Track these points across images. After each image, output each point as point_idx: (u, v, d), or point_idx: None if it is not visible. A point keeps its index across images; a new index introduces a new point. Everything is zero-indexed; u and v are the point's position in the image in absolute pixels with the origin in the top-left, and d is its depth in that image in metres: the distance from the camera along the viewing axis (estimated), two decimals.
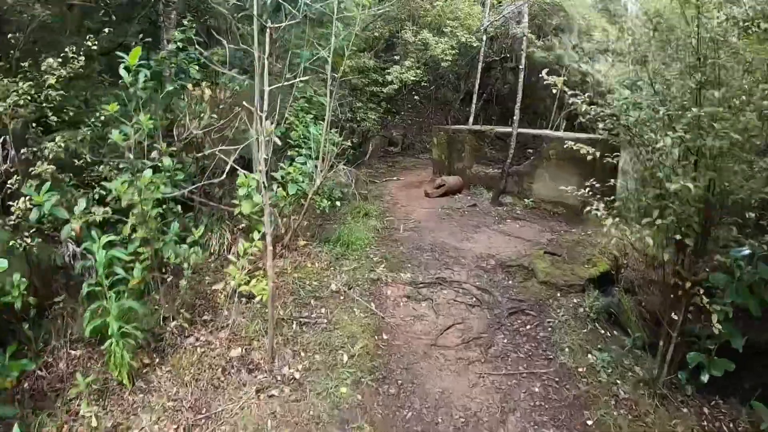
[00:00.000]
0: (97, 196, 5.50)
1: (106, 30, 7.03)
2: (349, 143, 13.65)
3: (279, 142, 5.51)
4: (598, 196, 5.54)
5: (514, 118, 10.12)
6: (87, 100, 7.44)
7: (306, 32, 8.64)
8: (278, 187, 7.19)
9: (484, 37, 14.22)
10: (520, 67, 10.18)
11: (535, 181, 10.42)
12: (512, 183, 10.69)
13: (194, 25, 7.66)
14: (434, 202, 10.87)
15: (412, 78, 13.17)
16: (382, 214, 9.88)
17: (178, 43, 7.35)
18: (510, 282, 7.50)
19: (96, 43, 6.43)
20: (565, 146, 6.50)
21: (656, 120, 4.74)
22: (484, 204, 10.60)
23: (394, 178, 13.04)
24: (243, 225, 6.87)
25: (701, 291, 4.42)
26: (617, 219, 4.99)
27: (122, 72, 5.30)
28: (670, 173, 4.45)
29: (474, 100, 14.63)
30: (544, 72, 5.36)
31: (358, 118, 13.26)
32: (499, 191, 10.55)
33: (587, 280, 7.64)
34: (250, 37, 4.86)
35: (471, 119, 14.85)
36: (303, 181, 7.33)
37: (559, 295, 7.26)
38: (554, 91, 5.26)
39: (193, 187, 6.43)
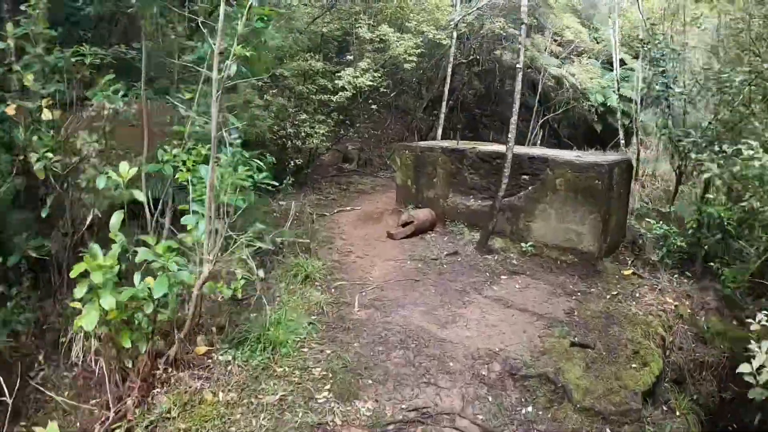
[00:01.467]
0: None
1: None
2: (294, 164, 10.49)
3: None
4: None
5: (509, 135, 7.08)
6: None
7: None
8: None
9: (455, 34, 11.20)
10: (518, 66, 7.19)
11: (536, 219, 7.45)
12: (503, 220, 7.68)
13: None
14: (400, 247, 7.76)
15: (368, 83, 10.07)
16: (329, 275, 6.71)
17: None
18: (530, 409, 4.49)
19: None
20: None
21: None
22: (467, 250, 7.55)
23: (348, 207, 9.87)
24: None
25: None
26: None
27: None
28: None
29: (443, 108, 11.64)
30: None
31: (303, 134, 10.05)
32: (487, 234, 7.51)
33: (642, 394, 4.78)
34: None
35: (440, 131, 11.85)
36: (186, 264, 4.17)
37: (608, 430, 4.34)
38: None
39: None
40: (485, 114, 19.42)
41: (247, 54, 4.39)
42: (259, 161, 5.90)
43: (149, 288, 3.93)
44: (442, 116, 11.86)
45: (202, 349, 4.83)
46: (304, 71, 10.35)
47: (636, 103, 15.89)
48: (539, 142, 15.63)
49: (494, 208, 7.26)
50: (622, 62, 18.83)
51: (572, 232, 7.13)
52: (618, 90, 13.43)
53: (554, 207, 7.21)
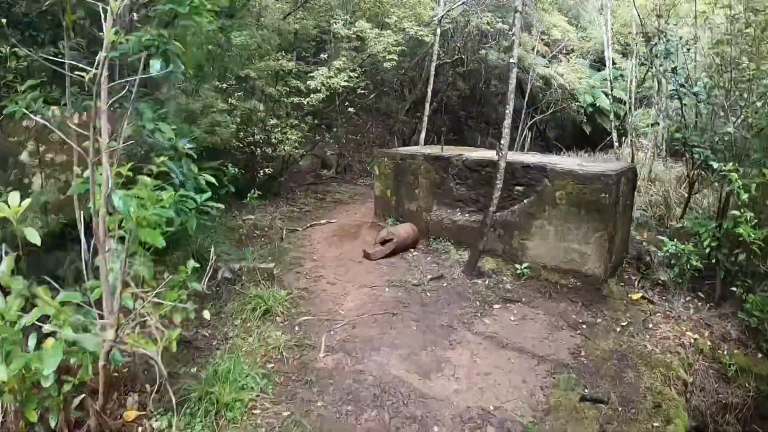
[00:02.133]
0: None
1: None
2: (264, 173, 9.39)
3: None
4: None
5: (502, 142, 6.05)
6: None
7: None
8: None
9: (438, 30, 10.17)
10: (512, 61, 6.20)
11: (532, 236, 6.43)
12: (494, 238, 6.67)
13: None
14: (378, 270, 6.70)
15: (343, 83, 9.01)
16: (294, 307, 5.64)
17: None
18: None
19: None
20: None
21: None
22: (454, 273, 6.51)
23: (323, 221, 8.79)
24: None
25: None
26: None
27: None
28: None
29: (426, 111, 10.60)
30: None
31: (274, 140, 8.97)
32: (477, 254, 6.48)
33: None
34: None
35: (423, 135, 10.80)
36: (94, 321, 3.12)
37: None
38: None
39: None
40: (470, 116, 18.46)
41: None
42: (211, 177, 4.86)
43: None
44: (426, 119, 10.83)
45: (131, 414, 3.75)
46: (274, 72, 9.27)
47: (628, 103, 15.06)
48: (527, 145, 14.64)
49: (484, 224, 6.24)
50: (612, 62, 18.01)
51: (574, 253, 6.14)
52: (611, 90, 12.42)
53: (553, 223, 6.21)
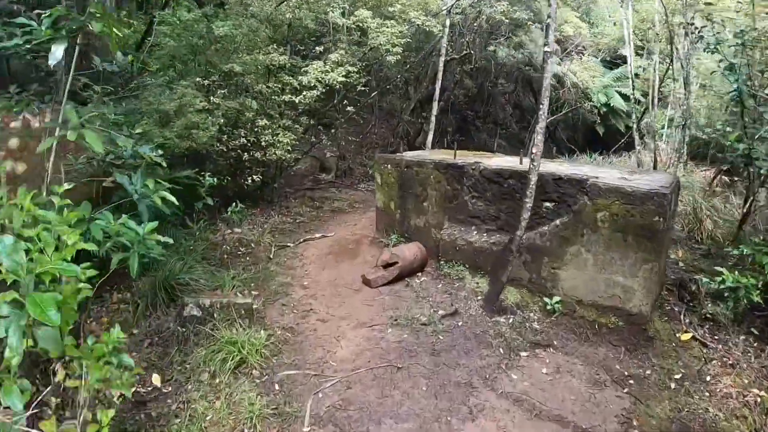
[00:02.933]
0: None
1: None
2: (252, 181, 8.20)
3: None
4: None
5: (533, 150, 4.83)
6: None
7: None
8: None
9: (447, 22, 8.97)
10: (547, 49, 4.94)
11: (566, 265, 5.25)
12: (518, 264, 5.49)
13: None
14: (379, 301, 5.53)
15: (341, 78, 7.81)
16: (276, 355, 4.48)
17: None
18: None
19: None
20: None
21: None
22: (471, 308, 5.33)
23: (317, 234, 7.62)
24: None
25: None
26: None
27: None
28: None
29: (434, 110, 9.42)
30: None
31: (264, 143, 7.78)
32: (499, 287, 5.30)
33: None
34: None
35: (430, 137, 9.62)
36: None
37: None
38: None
39: None
40: (478, 116, 17.24)
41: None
42: (171, 195, 3.71)
43: None
44: (433, 119, 9.64)
45: None
46: (265, 67, 8.07)
47: (646, 103, 13.85)
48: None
49: (509, 251, 5.05)
50: (626, 60, 16.77)
51: (617, 287, 4.97)
52: (633, 89, 11.21)
53: (593, 251, 5.03)
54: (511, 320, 5.14)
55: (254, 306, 5.04)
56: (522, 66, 14.07)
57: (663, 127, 14.05)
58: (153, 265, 5.47)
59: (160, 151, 4.63)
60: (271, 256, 6.63)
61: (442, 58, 9.16)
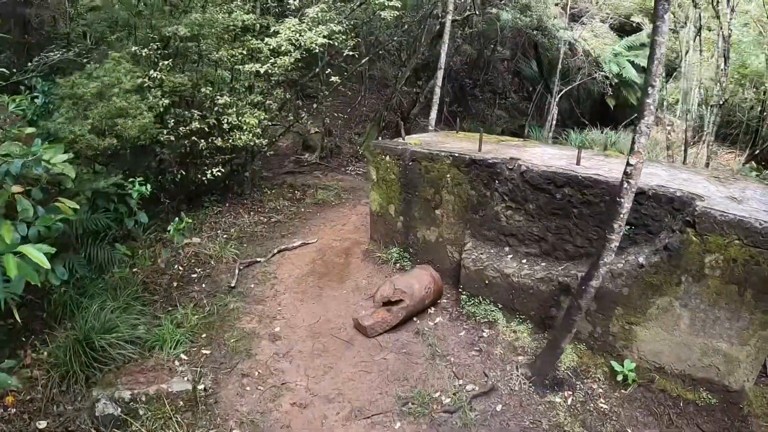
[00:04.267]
0: None
1: None
2: (212, 175, 6.17)
3: None
4: None
5: (633, 157, 2.89)
6: None
7: None
8: None
9: None
10: None
11: (648, 321, 3.48)
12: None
13: None
14: (380, 365, 3.73)
15: (321, 40, 5.77)
16: None
17: None
18: None
19: None
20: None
21: None
22: (511, 378, 3.55)
23: (296, 242, 5.77)
24: None
25: None
26: None
27: None
28: None
29: (438, 80, 7.51)
30: None
31: (226, 126, 5.79)
32: (556, 353, 3.50)
33: None
34: None
35: (433, 115, 7.74)
36: None
37: None
38: None
39: None
40: (476, 84, 15.26)
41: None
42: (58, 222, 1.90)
43: None
44: (438, 90, 7.71)
45: None
46: (225, 28, 5.98)
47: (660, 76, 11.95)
48: (553, 124, 11.55)
49: (576, 308, 3.24)
50: (639, 27, 14.75)
51: (717, 355, 3.29)
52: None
53: (691, 306, 3.29)
54: (570, 400, 3.40)
55: (200, 388, 3.23)
56: (529, 30, 12.00)
57: (677, 102, 12.19)
58: (73, 305, 3.70)
59: (70, 155, 2.87)
60: (234, 283, 4.78)
61: (449, 16, 7.16)
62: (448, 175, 4.56)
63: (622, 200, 2.81)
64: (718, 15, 8.19)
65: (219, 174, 5.76)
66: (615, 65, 13.18)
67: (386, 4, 6.23)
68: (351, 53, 6.49)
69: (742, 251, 3.09)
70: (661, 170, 4.15)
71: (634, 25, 14.26)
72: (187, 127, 5.46)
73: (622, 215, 2.85)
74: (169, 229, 4.31)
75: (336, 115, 9.97)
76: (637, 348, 3.58)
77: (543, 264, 4.02)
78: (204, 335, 3.96)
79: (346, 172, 9.34)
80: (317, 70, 7.63)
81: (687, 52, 10.77)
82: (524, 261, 4.12)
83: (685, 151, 8.93)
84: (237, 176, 7.06)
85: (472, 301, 4.28)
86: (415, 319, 4.25)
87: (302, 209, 7.05)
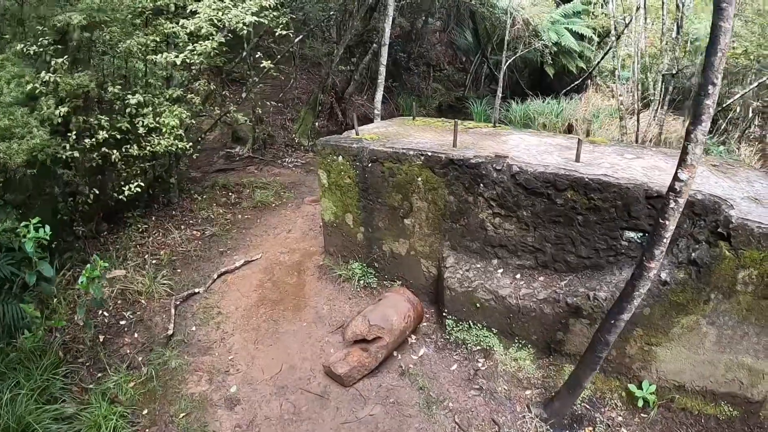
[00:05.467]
0: None
1: None
2: (130, 190, 5.06)
3: None
4: None
5: (691, 155, 2.24)
6: None
7: None
8: None
9: None
10: None
11: (670, 341, 3.05)
12: (581, 330, 3.26)
13: None
14: (367, 424, 3.10)
15: (250, 18, 4.82)
16: None
17: None
18: None
19: None
20: None
21: None
22: (525, 425, 3.01)
23: (238, 260, 4.94)
24: None
25: None
26: None
27: None
28: None
29: (383, 57, 6.82)
30: None
31: (141, 131, 4.78)
32: (578, 393, 2.97)
33: None
34: None
35: (379, 97, 7.07)
36: None
37: None
38: None
39: None
40: (411, 57, 14.59)
41: None
42: None
43: None
44: (383, 69, 7.00)
45: None
46: (133, 11, 4.90)
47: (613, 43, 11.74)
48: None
49: (602, 343, 2.69)
50: None
51: (742, 369, 2.98)
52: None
53: (719, 323, 2.90)
54: None
55: None
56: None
57: (621, 68, 12.11)
58: None
59: None
60: (171, 328, 3.92)
61: None
62: (420, 179, 3.90)
63: (667, 222, 2.27)
64: None
65: (138, 189, 4.77)
66: (554, 33, 12.94)
67: None
68: (286, 32, 5.58)
69: None
70: (659, 159, 3.70)
71: None
72: (94, 139, 4.44)
73: (665, 240, 2.32)
74: (81, 280, 3.37)
75: (267, 103, 9.00)
76: (656, 368, 3.17)
77: (541, 279, 3.49)
78: (146, 411, 3.14)
79: (283, 164, 8.49)
80: (244, 54, 6.64)
81: (630, 20, 10.58)
82: (518, 276, 3.57)
83: (638, 123, 8.75)
84: (161, 183, 6.07)
85: (461, 327, 3.71)
86: (395, 353, 3.63)
87: (239, 216, 6.19)
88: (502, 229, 3.61)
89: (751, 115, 8.49)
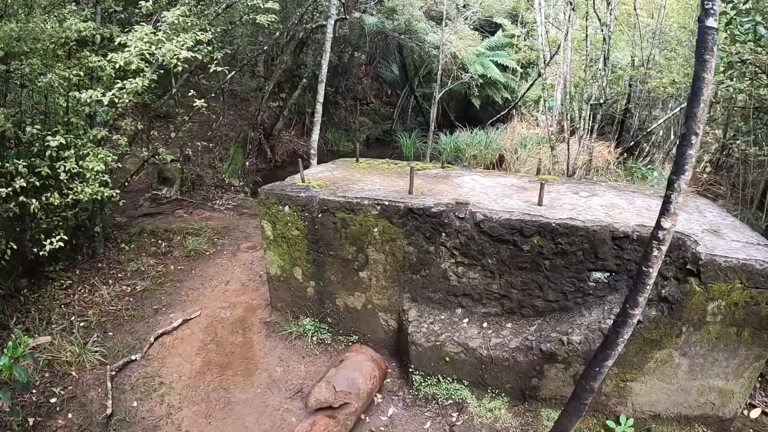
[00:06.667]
0: None
1: None
2: (51, 245, 4.49)
3: None
4: None
5: (673, 204, 2.19)
6: None
7: None
8: None
9: None
10: None
11: (644, 375, 3.12)
12: (560, 377, 3.21)
13: None
14: None
15: (185, 53, 4.50)
16: None
17: None
18: None
19: None
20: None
21: None
22: None
23: (176, 320, 4.53)
24: None
25: None
26: None
27: None
28: None
29: (320, 95, 6.75)
30: None
31: (64, 176, 4.30)
32: None
33: None
34: None
35: (316, 135, 6.91)
36: None
37: None
38: None
39: None
40: (338, 91, 14.63)
41: None
42: None
43: None
44: (320, 107, 6.87)
45: None
46: (56, 42, 4.47)
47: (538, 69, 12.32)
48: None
49: (586, 389, 2.63)
50: (501, 27, 15.26)
51: (713, 392, 3.15)
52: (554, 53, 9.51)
53: (691, 353, 3.04)
54: None
55: None
56: (396, 34, 11.64)
57: (548, 98, 12.71)
58: None
59: None
60: (110, 407, 3.47)
61: (332, 20, 6.34)
62: (376, 229, 3.75)
63: (651, 270, 2.26)
64: (600, 19, 8.45)
65: (61, 243, 4.26)
66: (480, 66, 13.46)
67: (262, 5, 5.20)
68: (220, 68, 5.32)
69: (743, 294, 2.87)
70: (613, 196, 3.79)
71: (494, 25, 14.75)
72: (10, 188, 3.93)
73: (648, 287, 2.31)
74: (2, 362, 2.87)
75: (195, 143, 8.58)
76: (632, 402, 3.26)
77: (509, 326, 3.43)
78: None
79: (214, 207, 8.07)
80: (174, 90, 6.27)
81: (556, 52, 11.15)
82: (485, 324, 3.49)
83: (569, 150, 9.16)
84: (85, 232, 5.53)
85: (429, 381, 3.56)
86: (362, 416, 3.40)
87: (172, 267, 5.75)
88: (466, 278, 3.52)
89: (673, 137, 9.13)
